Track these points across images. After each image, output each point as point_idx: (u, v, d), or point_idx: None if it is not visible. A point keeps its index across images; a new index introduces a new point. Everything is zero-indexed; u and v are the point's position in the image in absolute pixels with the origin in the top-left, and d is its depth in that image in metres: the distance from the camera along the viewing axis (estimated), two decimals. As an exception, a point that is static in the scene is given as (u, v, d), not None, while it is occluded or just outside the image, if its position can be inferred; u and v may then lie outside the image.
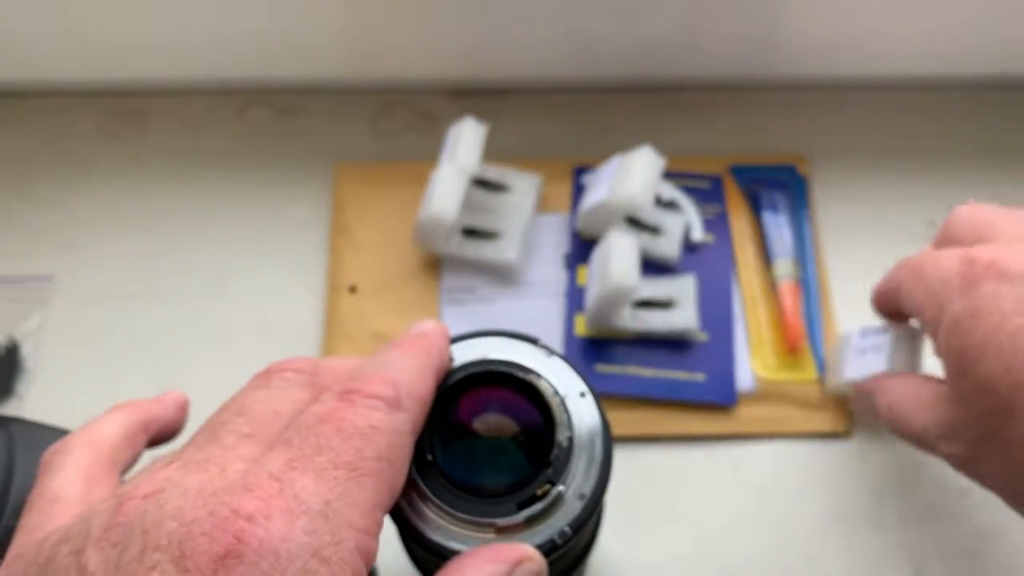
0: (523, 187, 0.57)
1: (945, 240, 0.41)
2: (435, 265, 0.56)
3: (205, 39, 0.59)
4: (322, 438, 0.25)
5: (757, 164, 0.59)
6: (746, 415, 0.52)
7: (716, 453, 0.51)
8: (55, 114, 0.62)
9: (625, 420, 0.51)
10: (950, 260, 0.38)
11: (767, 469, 0.50)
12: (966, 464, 0.38)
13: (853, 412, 0.52)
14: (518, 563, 0.28)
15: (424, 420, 0.29)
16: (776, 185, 0.59)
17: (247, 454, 0.25)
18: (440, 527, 0.31)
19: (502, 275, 0.55)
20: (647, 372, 0.52)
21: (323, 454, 0.25)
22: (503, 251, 0.55)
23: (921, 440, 0.40)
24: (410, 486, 0.31)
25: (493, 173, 0.57)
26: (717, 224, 0.57)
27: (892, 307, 0.44)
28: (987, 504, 0.48)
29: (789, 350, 0.53)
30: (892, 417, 0.42)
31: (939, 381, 0.40)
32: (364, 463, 0.25)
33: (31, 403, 0.53)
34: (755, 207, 0.58)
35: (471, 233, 0.55)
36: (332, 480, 0.24)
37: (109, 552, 0.22)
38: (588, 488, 0.31)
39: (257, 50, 0.60)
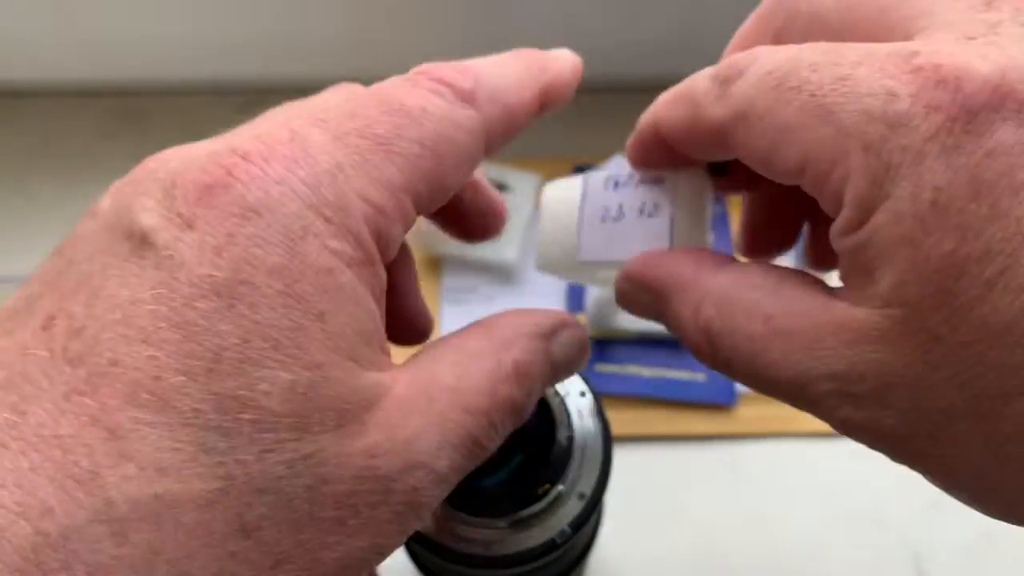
0: (523, 187, 0.57)
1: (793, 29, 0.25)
2: (435, 265, 0.56)
3: (205, 39, 0.59)
4: (360, 107, 0.22)
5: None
6: (746, 415, 0.52)
7: (716, 453, 0.51)
8: (55, 114, 0.62)
9: (625, 420, 0.51)
10: (883, 70, 0.20)
11: (767, 469, 0.50)
12: (899, 444, 0.22)
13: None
14: (555, 331, 0.26)
15: (508, 134, 0.26)
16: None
17: (284, 120, 0.23)
18: (440, 527, 0.31)
19: (502, 275, 0.55)
20: (647, 372, 0.52)
21: (354, 121, 0.22)
22: (502, 251, 0.55)
23: (787, 390, 0.23)
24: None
25: (493, 172, 0.57)
26: (717, 224, 0.57)
27: (698, 150, 0.26)
28: (987, 504, 0.48)
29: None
30: (717, 343, 0.24)
31: (830, 291, 0.23)
32: (398, 142, 0.22)
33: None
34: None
35: None
36: (352, 146, 0.22)
37: (118, 191, 0.22)
38: (588, 487, 0.31)
39: (257, 50, 0.60)
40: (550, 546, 0.30)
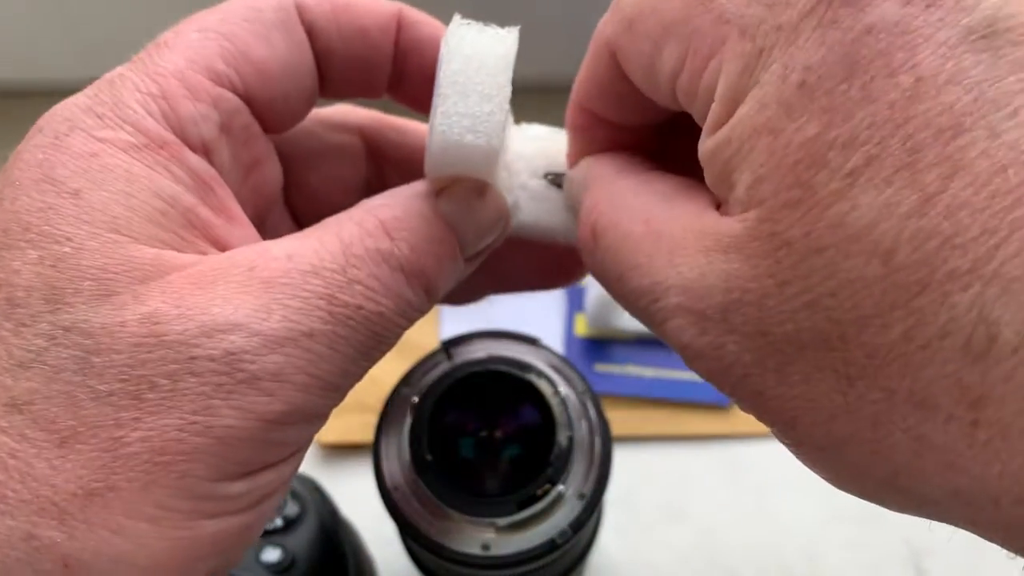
0: None
1: None
2: (435, 265, 0.56)
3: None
4: None
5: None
6: (746, 415, 0.51)
7: (716, 452, 0.51)
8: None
9: (625, 420, 0.51)
10: None
11: (767, 468, 0.50)
12: (739, 376, 0.19)
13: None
14: (441, 192, 0.24)
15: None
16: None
17: None
18: (440, 527, 0.31)
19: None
20: (647, 372, 0.52)
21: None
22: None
23: (642, 305, 0.21)
24: (411, 486, 0.31)
25: None
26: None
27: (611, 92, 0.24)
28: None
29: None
30: (599, 238, 0.22)
31: (704, 201, 0.21)
32: (179, 31, 0.23)
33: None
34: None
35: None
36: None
37: None
38: (588, 488, 0.31)
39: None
40: (550, 546, 0.30)
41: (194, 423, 0.19)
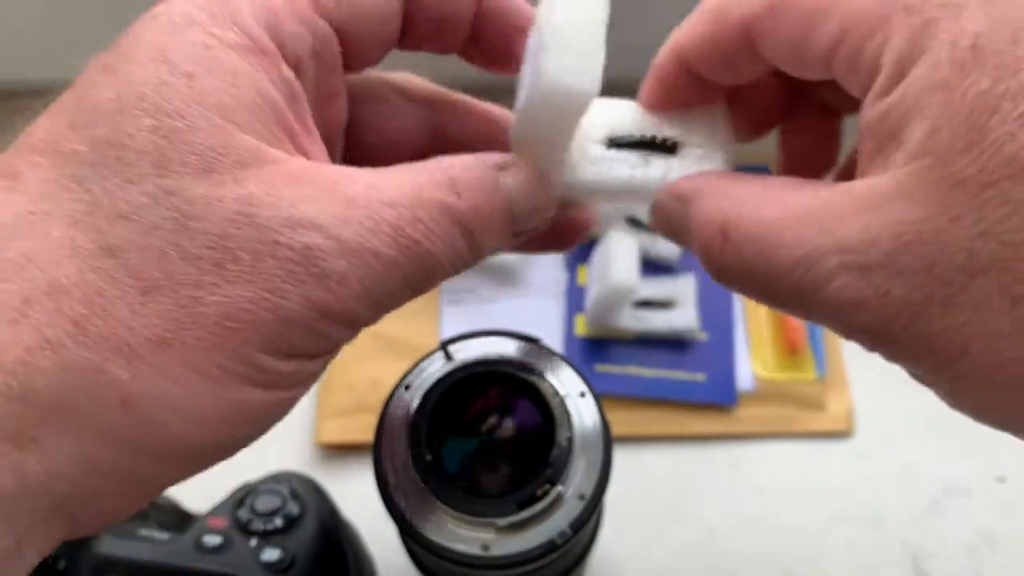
0: None
1: None
2: (435, 265, 0.56)
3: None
4: None
5: (758, 164, 0.59)
6: (746, 415, 0.52)
7: (716, 453, 0.51)
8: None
9: (625, 420, 0.51)
10: None
11: (767, 469, 0.50)
12: (902, 317, 0.21)
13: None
14: (506, 166, 0.26)
15: None
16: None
17: None
18: (440, 527, 0.31)
19: (502, 275, 0.55)
20: (647, 372, 0.52)
21: None
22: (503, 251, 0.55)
23: (793, 276, 0.22)
24: (411, 486, 0.31)
25: None
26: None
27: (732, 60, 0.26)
28: (988, 503, 0.48)
29: (789, 350, 0.53)
30: (730, 231, 0.24)
31: (834, 183, 0.23)
32: None
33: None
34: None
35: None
36: None
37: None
38: (588, 488, 0.31)
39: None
40: (550, 547, 0.30)
41: (265, 300, 0.22)
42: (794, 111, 0.29)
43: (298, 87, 0.24)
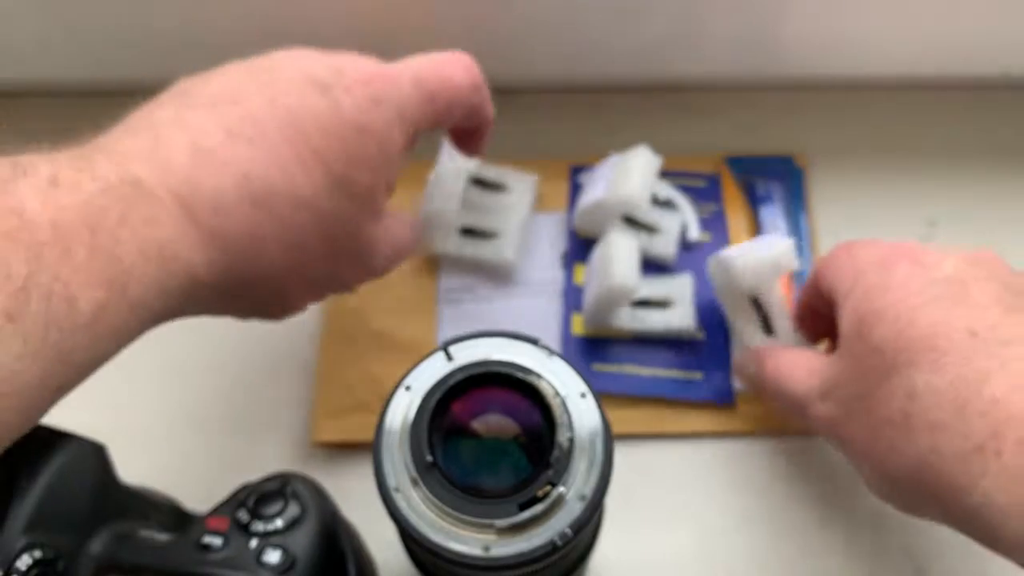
0: (520, 187, 0.57)
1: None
2: (433, 265, 0.56)
3: (206, 38, 0.58)
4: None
5: (754, 156, 0.59)
6: (743, 413, 0.52)
7: (715, 452, 0.51)
8: (55, 114, 0.62)
9: (623, 419, 0.51)
10: (879, 246, 0.42)
11: (766, 467, 0.51)
12: (834, 425, 0.41)
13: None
14: None
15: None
16: (773, 175, 0.58)
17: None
18: (440, 527, 0.31)
19: (500, 275, 0.55)
20: (644, 371, 0.52)
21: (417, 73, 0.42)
22: (501, 251, 0.55)
23: (799, 401, 0.43)
24: (411, 486, 0.31)
25: (491, 172, 0.57)
26: (714, 223, 0.57)
27: (816, 290, 0.45)
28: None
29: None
30: (775, 379, 0.45)
31: (826, 354, 0.45)
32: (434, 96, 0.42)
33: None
34: (751, 199, 0.58)
35: (469, 233, 0.55)
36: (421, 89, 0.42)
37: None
38: (589, 489, 0.31)
39: (258, 48, 0.59)
40: (551, 548, 0.30)
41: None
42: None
43: None
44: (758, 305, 0.50)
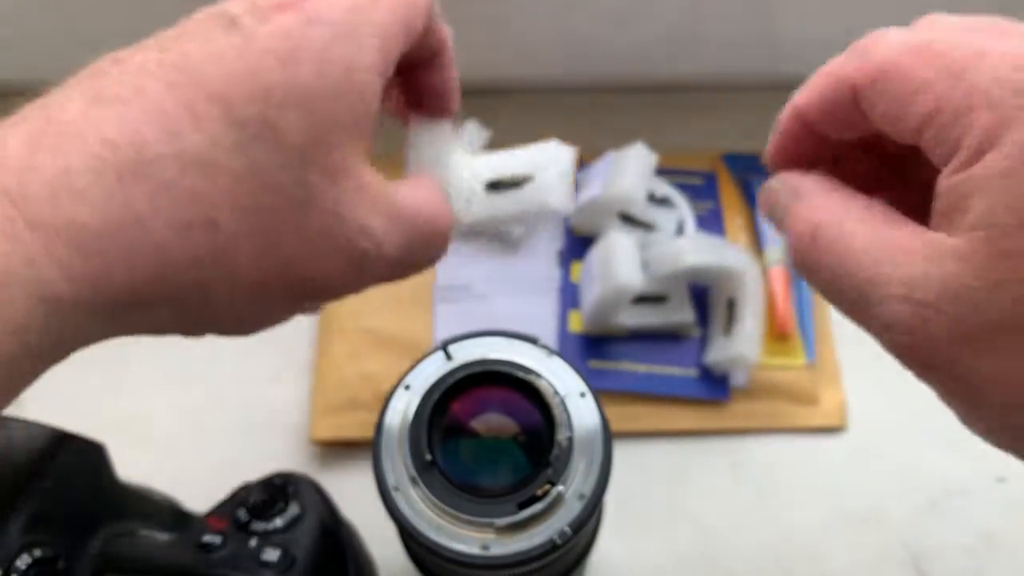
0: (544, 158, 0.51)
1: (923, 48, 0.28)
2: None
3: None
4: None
5: (750, 153, 0.60)
6: (740, 410, 0.52)
7: (713, 449, 0.51)
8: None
9: (619, 416, 0.51)
10: (1014, 54, 0.25)
11: (765, 465, 0.51)
12: (936, 346, 0.25)
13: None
14: None
15: None
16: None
17: None
18: (440, 527, 0.31)
19: (496, 272, 0.55)
20: (641, 368, 0.52)
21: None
22: (539, 193, 0.42)
23: (857, 287, 0.27)
24: (410, 486, 0.31)
25: (505, 165, 0.54)
26: (710, 220, 0.57)
27: (846, 123, 0.30)
28: (988, 502, 0.48)
29: (778, 335, 0.53)
30: (819, 233, 0.28)
31: (916, 225, 0.27)
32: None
33: (30, 404, 0.52)
34: (748, 197, 0.58)
35: (495, 188, 0.46)
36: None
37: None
38: (588, 488, 0.31)
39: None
40: (550, 547, 0.30)
41: None
42: (883, 182, 0.33)
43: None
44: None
